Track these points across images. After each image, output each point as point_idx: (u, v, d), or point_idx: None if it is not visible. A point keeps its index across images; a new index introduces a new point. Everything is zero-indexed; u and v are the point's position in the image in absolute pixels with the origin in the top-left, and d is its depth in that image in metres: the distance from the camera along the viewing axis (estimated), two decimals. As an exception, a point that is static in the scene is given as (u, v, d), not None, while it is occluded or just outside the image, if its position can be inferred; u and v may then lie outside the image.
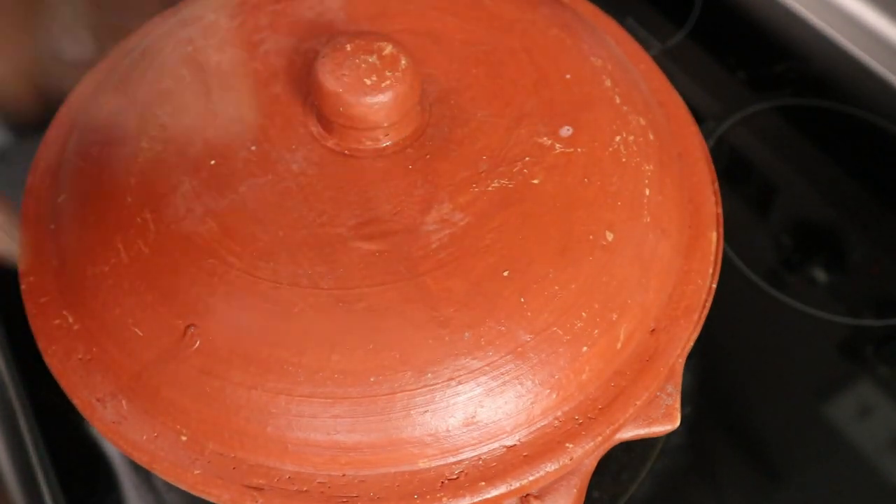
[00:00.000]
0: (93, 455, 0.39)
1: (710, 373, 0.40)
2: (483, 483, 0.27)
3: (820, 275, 0.44)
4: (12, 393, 0.40)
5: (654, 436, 0.30)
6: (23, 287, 0.31)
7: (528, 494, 0.28)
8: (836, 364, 0.41)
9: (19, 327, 0.42)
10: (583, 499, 0.29)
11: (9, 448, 0.39)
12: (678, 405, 0.30)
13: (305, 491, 0.27)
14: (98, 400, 0.29)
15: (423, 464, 0.27)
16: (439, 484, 0.27)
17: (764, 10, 0.57)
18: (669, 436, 0.39)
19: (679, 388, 0.31)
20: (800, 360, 0.41)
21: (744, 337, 0.42)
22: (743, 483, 0.38)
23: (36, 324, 0.31)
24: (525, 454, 0.27)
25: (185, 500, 0.38)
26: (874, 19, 0.53)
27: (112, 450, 0.39)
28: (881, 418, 0.40)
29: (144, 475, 0.38)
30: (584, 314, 0.28)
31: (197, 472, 0.27)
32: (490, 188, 0.29)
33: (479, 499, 0.27)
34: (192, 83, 0.32)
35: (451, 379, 0.27)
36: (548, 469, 0.27)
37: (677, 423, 0.30)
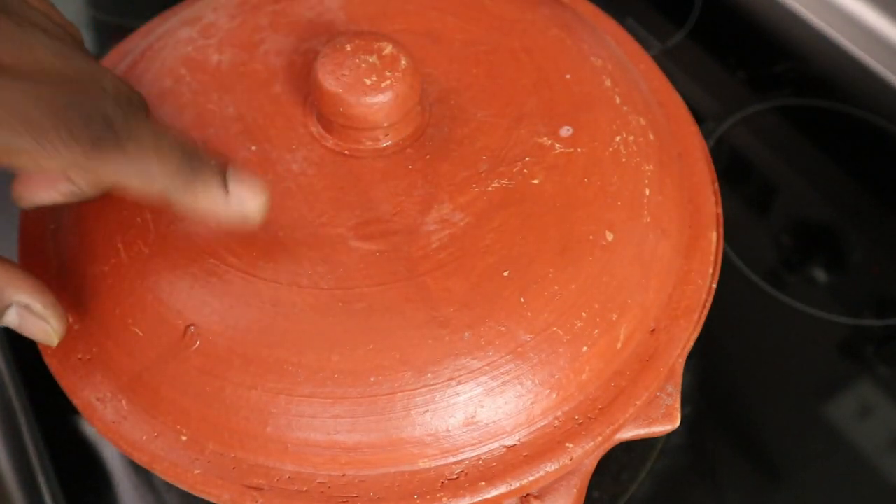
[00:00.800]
0: (93, 455, 0.39)
1: (710, 373, 0.40)
2: (483, 483, 0.27)
3: (820, 275, 0.44)
4: (12, 393, 0.40)
5: (654, 436, 0.30)
6: None
7: (528, 494, 0.28)
8: (836, 364, 0.41)
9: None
10: (583, 499, 0.29)
11: (9, 448, 0.39)
12: (678, 405, 0.30)
13: (305, 491, 0.27)
14: (98, 400, 0.29)
15: (423, 464, 0.27)
16: (439, 484, 0.27)
17: (764, 10, 0.57)
18: (669, 436, 0.39)
19: (679, 388, 0.31)
20: (800, 360, 0.41)
21: (744, 337, 0.42)
22: (743, 483, 0.38)
23: None
24: (525, 454, 0.27)
25: (184, 500, 0.38)
26: (874, 19, 0.53)
27: (112, 450, 0.39)
28: (881, 418, 0.40)
29: (144, 475, 0.38)
30: (584, 314, 0.28)
31: (197, 472, 0.27)
32: (490, 188, 0.29)
33: (479, 499, 0.27)
34: (191, 83, 0.32)
35: (451, 379, 0.27)
36: (548, 469, 0.27)
37: (677, 423, 0.30)
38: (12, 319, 0.26)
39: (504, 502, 0.28)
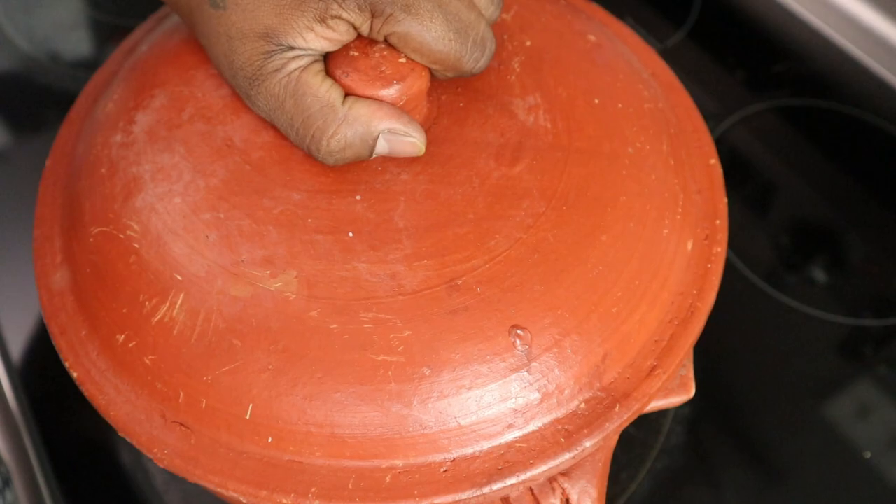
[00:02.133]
0: (93, 455, 0.39)
1: (710, 373, 0.40)
2: (521, 466, 0.27)
3: (820, 275, 0.45)
4: (12, 393, 0.40)
5: (672, 406, 0.31)
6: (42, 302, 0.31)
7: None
8: (836, 364, 0.41)
9: (17, 329, 0.42)
10: (608, 471, 0.30)
11: (9, 448, 0.39)
12: (692, 375, 0.31)
13: (306, 482, 0.26)
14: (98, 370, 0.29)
15: (456, 452, 0.27)
16: (464, 474, 0.27)
17: (763, 10, 0.57)
18: (669, 436, 0.39)
19: (691, 359, 0.32)
20: (800, 360, 0.41)
21: (744, 337, 0.42)
22: (743, 483, 0.38)
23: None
24: (562, 435, 0.27)
25: (184, 499, 0.38)
26: (874, 19, 0.53)
27: (111, 449, 0.39)
28: (881, 418, 0.40)
29: (144, 475, 0.38)
30: (615, 299, 0.28)
31: (196, 460, 0.27)
32: (509, 177, 0.29)
33: (523, 478, 0.27)
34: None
35: (476, 369, 0.26)
36: (585, 446, 0.27)
37: (692, 393, 0.31)
38: (383, 147, 0.28)
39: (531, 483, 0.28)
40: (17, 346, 0.41)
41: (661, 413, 0.40)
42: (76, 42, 0.57)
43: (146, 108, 0.31)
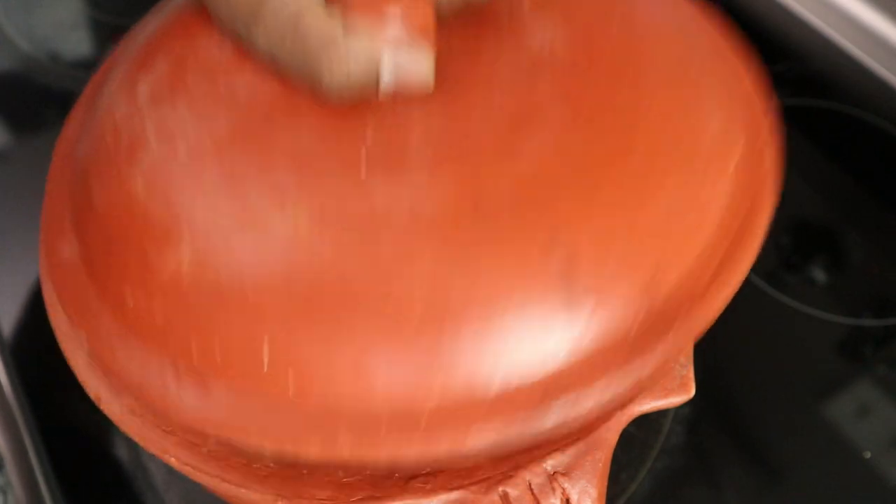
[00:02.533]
0: (93, 455, 0.39)
1: (709, 373, 0.40)
2: (572, 395, 0.24)
3: (820, 275, 0.45)
4: (12, 393, 0.40)
5: (671, 406, 0.31)
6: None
7: (555, 472, 0.28)
8: (836, 364, 0.41)
9: (16, 328, 0.42)
10: (608, 471, 0.29)
11: (9, 448, 0.39)
12: (692, 375, 0.31)
13: (333, 428, 0.25)
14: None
15: (483, 391, 0.24)
16: (506, 409, 0.24)
17: (763, 10, 0.57)
18: (669, 436, 0.39)
19: (691, 359, 0.31)
20: (800, 360, 0.41)
21: (744, 337, 0.42)
22: (743, 483, 0.38)
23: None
24: (603, 367, 0.24)
25: (184, 499, 0.38)
26: (874, 19, 0.53)
27: (111, 449, 0.39)
28: (881, 418, 0.40)
29: (144, 475, 0.38)
30: (659, 218, 0.26)
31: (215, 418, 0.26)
32: (525, 107, 0.28)
33: (575, 414, 0.24)
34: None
35: (511, 296, 0.24)
36: (647, 367, 0.25)
37: (692, 393, 0.30)
38: (389, 76, 0.27)
39: (532, 481, 0.28)
40: (16, 345, 0.42)
41: (661, 413, 0.40)
42: (76, 42, 0.57)
43: (148, 72, 0.31)
